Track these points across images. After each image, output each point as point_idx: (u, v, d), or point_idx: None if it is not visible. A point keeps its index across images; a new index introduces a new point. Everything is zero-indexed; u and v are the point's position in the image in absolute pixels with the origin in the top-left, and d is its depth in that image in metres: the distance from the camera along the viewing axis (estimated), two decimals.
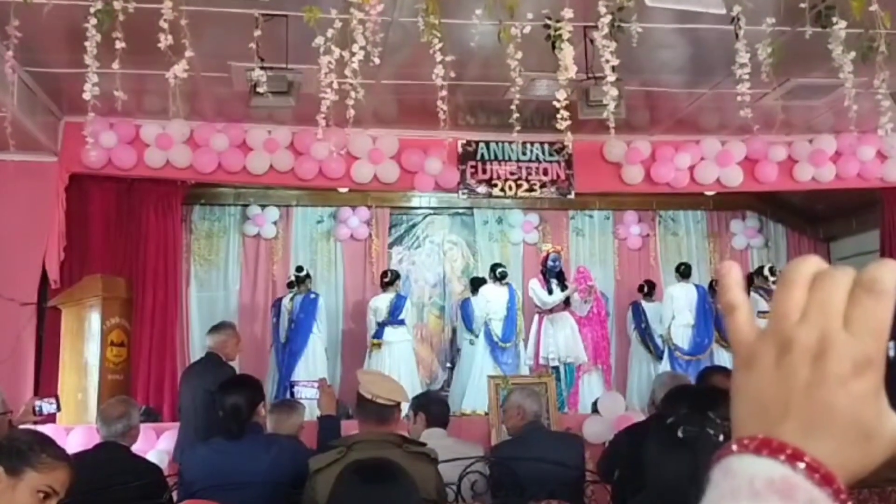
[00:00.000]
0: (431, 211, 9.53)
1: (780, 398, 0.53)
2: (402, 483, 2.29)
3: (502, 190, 7.73)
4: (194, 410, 5.13)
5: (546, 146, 7.67)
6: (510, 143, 7.51)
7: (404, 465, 2.42)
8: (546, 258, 8.24)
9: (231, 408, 3.45)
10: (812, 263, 0.56)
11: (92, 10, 4.29)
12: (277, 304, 8.47)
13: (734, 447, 0.53)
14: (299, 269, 8.46)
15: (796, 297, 0.54)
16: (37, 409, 4.83)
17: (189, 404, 5.29)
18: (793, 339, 0.53)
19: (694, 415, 1.65)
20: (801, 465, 0.50)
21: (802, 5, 4.58)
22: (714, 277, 9.12)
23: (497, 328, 8.17)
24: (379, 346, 8.12)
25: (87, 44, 4.34)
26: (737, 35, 4.78)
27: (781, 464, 0.51)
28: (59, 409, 5.20)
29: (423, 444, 3.23)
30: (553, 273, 8.18)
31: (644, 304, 9.00)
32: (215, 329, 5.55)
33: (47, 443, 2.12)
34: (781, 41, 5.00)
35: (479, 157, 7.69)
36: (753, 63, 4.86)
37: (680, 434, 1.62)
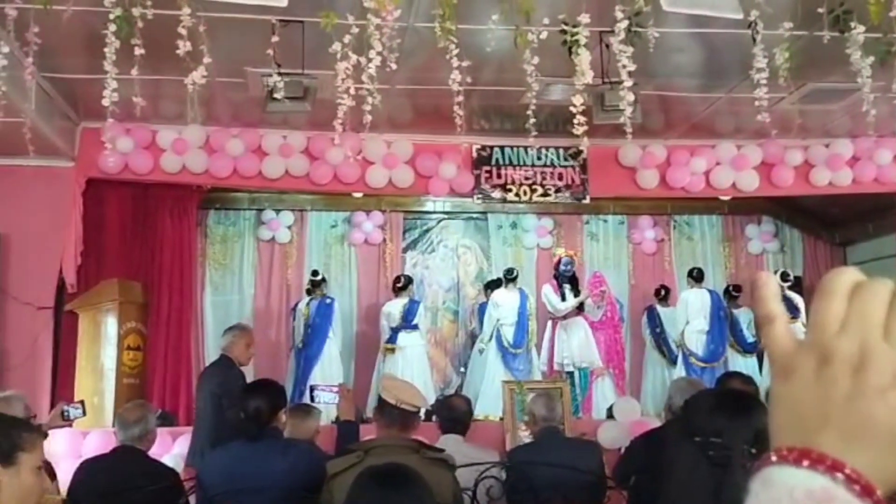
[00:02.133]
0: (445, 215, 9.51)
1: (820, 409, 0.53)
2: (417, 488, 2.29)
3: (517, 195, 7.71)
4: (206, 414, 5.16)
5: (561, 151, 7.66)
6: (525, 147, 7.50)
7: (421, 471, 2.42)
8: (558, 263, 8.20)
9: (253, 411, 3.47)
10: (851, 275, 0.56)
11: (111, 16, 4.32)
12: (294, 308, 8.49)
13: (773, 457, 0.53)
14: (315, 273, 8.46)
15: (836, 309, 0.54)
16: (65, 413, 4.97)
17: (200, 407, 5.32)
18: (833, 350, 0.53)
19: (720, 432, 1.65)
20: (841, 476, 0.50)
21: (820, 10, 4.56)
22: (729, 283, 9.10)
23: (508, 334, 8.11)
24: (392, 350, 8.10)
25: (106, 50, 4.37)
26: (754, 39, 4.76)
27: (821, 475, 0.50)
28: (84, 413, 5.29)
29: (441, 451, 3.23)
30: (566, 278, 8.14)
31: (659, 308, 8.96)
32: (225, 331, 5.57)
33: (16, 423, 2.17)
34: (799, 45, 4.98)
35: (493, 161, 7.68)
36: (770, 67, 4.84)
37: (710, 453, 1.62)
